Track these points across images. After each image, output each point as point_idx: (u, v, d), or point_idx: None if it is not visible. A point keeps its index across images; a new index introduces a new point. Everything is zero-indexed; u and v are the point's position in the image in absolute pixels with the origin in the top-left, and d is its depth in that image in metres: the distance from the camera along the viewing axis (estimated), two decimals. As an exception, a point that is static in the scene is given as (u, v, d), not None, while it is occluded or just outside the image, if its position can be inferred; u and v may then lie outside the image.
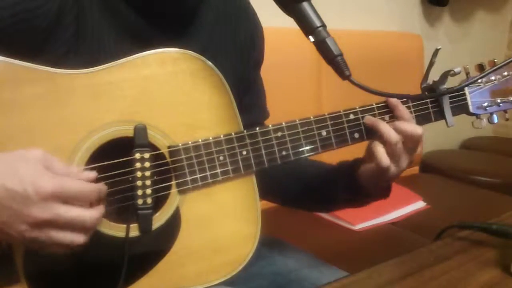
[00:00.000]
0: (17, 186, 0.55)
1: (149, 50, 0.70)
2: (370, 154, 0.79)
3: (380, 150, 0.77)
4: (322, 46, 0.69)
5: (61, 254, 0.60)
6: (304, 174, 0.93)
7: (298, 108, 1.71)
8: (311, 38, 0.69)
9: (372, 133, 0.80)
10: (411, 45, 2.19)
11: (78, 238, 0.59)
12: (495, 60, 0.85)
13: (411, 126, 0.78)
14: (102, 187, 0.63)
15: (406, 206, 1.75)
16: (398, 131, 0.77)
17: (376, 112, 0.81)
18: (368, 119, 0.80)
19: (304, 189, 0.93)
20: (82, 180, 0.61)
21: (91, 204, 0.61)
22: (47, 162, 0.58)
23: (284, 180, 0.94)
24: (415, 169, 2.31)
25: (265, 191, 0.80)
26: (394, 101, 0.81)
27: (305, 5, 0.68)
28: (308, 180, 0.93)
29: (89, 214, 0.60)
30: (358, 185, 0.84)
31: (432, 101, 0.85)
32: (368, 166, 0.81)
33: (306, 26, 0.69)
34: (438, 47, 0.82)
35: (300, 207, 1.01)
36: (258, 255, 0.79)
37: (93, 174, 0.63)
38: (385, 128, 0.77)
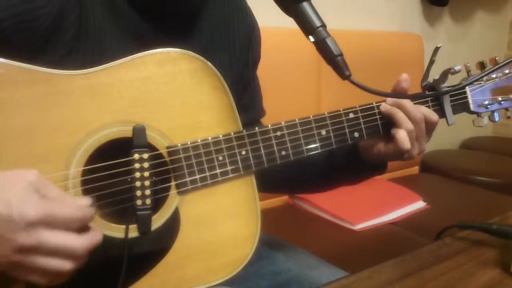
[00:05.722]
0: (3, 210, 0.52)
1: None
2: (389, 137, 0.81)
3: (402, 134, 0.78)
4: (322, 46, 0.69)
5: (46, 286, 0.56)
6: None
7: (298, 108, 1.71)
8: (311, 38, 0.69)
9: (374, 132, 0.80)
10: (411, 45, 2.19)
11: (65, 266, 0.56)
12: (496, 58, 0.85)
13: (427, 110, 0.81)
14: (90, 212, 0.59)
15: (406, 206, 1.75)
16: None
17: (376, 111, 0.81)
18: (384, 106, 0.81)
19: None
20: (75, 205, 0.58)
21: (83, 231, 0.58)
22: (40, 186, 0.56)
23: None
24: (415, 169, 2.31)
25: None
26: (396, 101, 0.81)
27: (305, 5, 0.68)
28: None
29: (77, 242, 0.57)
30: (358, 157, 0.86)
31: (433, 99, 0.85)
32: (383, 145, 0.82)
33: (306, 26, 0.69)
34: (438, 45, 0.82)
35: (292, 182, 0.97)
36: (258, 255, 0.79)
37: (86, 201, 0.60)
38: (410, 106, 0.79)
